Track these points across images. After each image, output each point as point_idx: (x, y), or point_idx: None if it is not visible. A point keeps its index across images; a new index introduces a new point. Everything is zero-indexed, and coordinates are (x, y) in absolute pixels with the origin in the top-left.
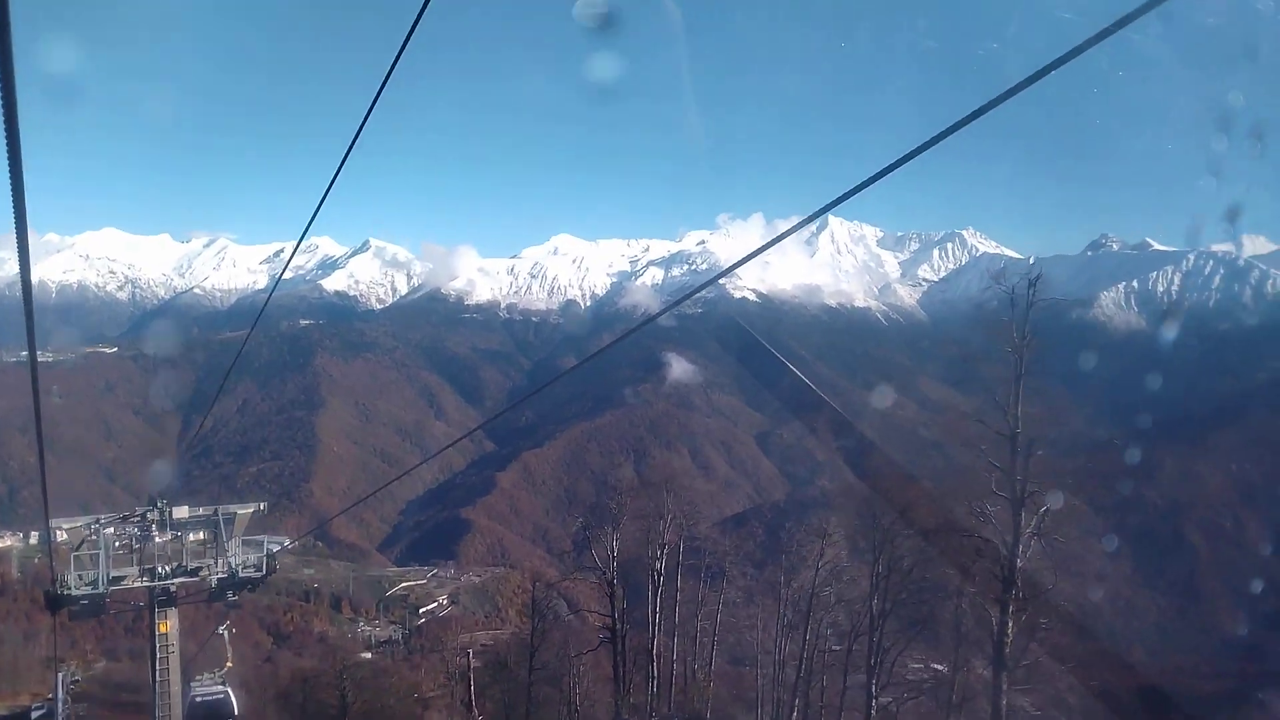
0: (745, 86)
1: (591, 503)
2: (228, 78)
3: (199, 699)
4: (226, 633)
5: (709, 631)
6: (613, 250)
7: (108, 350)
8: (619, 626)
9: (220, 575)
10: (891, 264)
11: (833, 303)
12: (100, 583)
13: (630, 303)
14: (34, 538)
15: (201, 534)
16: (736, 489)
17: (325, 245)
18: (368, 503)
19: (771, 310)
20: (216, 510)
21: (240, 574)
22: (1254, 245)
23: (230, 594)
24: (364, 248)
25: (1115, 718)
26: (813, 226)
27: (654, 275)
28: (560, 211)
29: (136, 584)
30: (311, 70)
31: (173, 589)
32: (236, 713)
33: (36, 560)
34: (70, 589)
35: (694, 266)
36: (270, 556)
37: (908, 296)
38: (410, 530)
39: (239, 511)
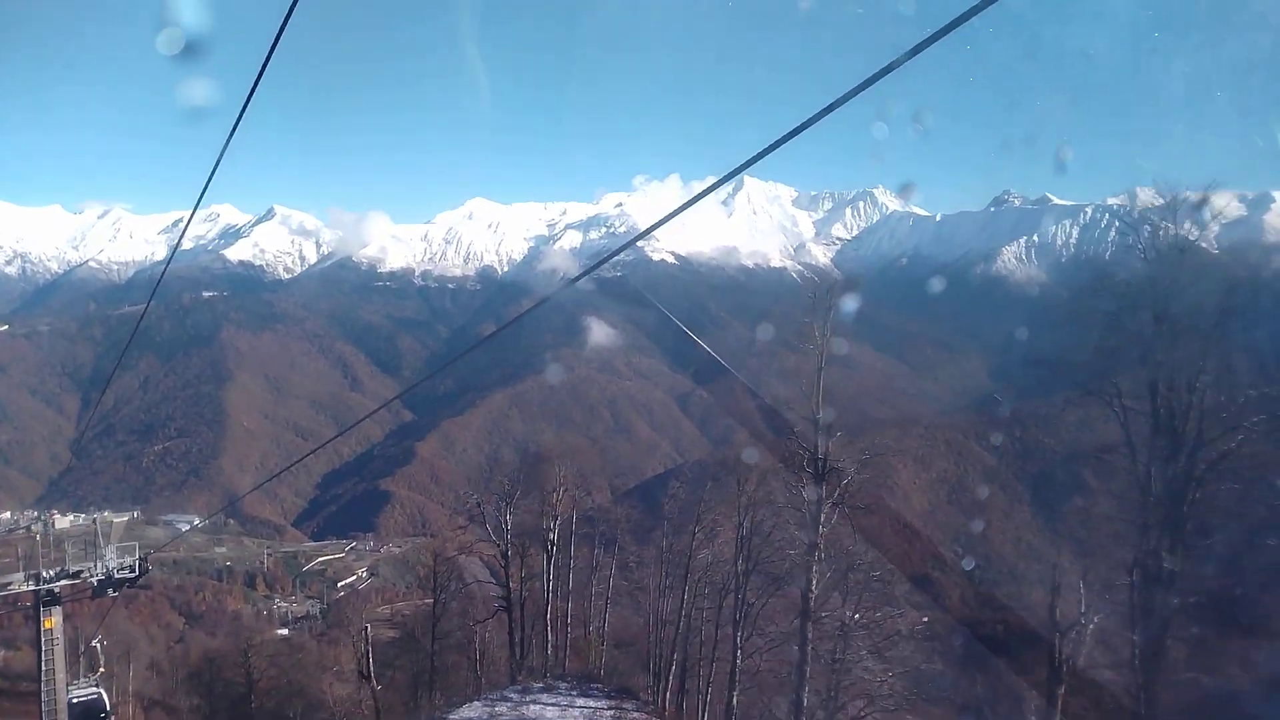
0: (662, 46)
1: (512, 470)
2: (117, 36)
3: (75, 700)
4: (99, 644)
5: (603, 595)
6: (529, 214)
7: None
8: (512, 595)
9: (99, 578)
10: (806, 224)
11: (750, 263)
12: None
13: (548, 267)
14: None
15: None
16: (657, 450)
17: (227, 213)
18: (283, 478)
19: (690, 271)
20: (95, 521)
21: (116, 575)
22: (1145, 197)
23: (111, 590)
24: (268, 215)
25: None
26: (729, 187)
27: (572, 239)
28: (474, 176)
29: (23, 588)
30: (215, 24)
31: (56, 590)
32: (108, 708)
33: None
34: None
35: (612, 229)
36: (142, 560)
37: (822, 255)
38: (327, 504)
39: (114, 520)
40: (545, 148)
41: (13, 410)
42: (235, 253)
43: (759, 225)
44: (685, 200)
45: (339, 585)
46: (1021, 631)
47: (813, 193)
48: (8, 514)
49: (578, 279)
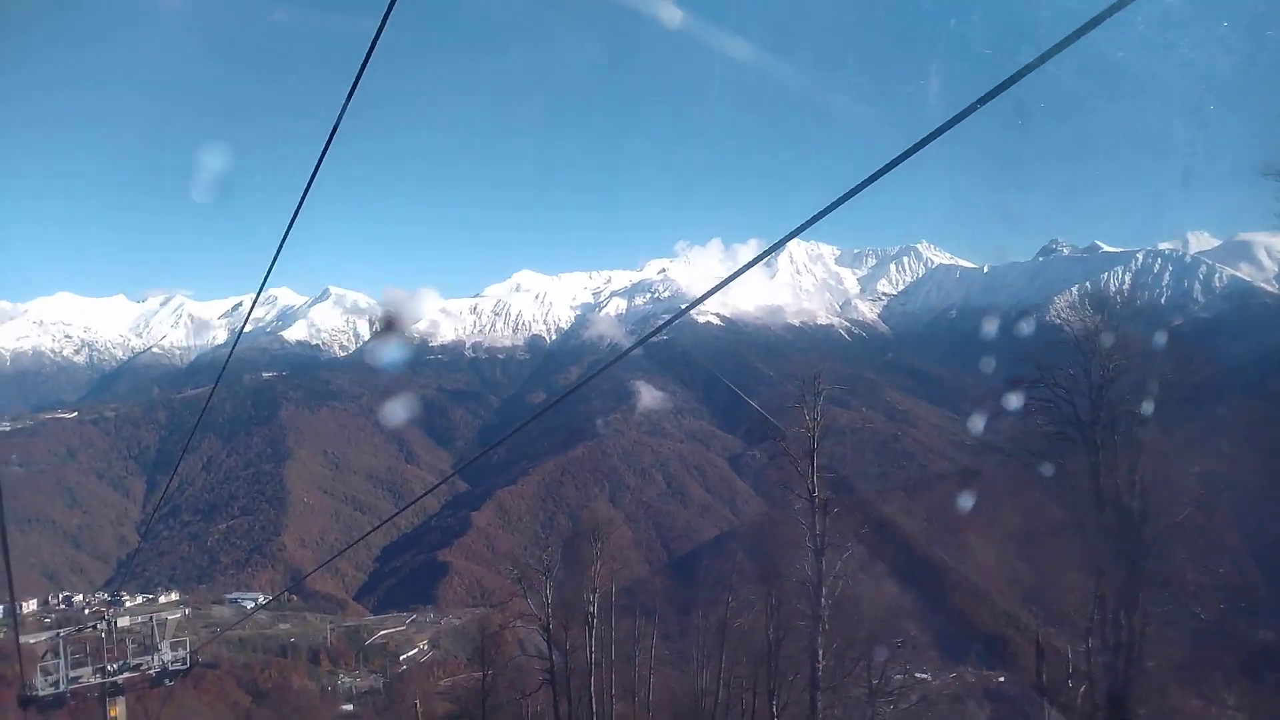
0: (698, 114)
1: (551, 545)
2: (172, 132)
3: None
4: None
5: (646, 665)
6: (575, 283)
7: (67, 415)
8: (556, 667)
9: (155, 670)
10: (850, 280)
11: (796, 322)
12: (62, 683)
13: (595, 334)
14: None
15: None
16: (711, 512)
17: (284, 295)
18: (343, 553)
19: (735, 333)
20: (151, 618)
21: (170, 668)
22: (1199, 242)
23: (167, 680)
24: (324, 296)
25: None
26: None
27: (617, 305)
28: (521, 248)
29: (91, 680)
30: (260, 123)
31: (120, 682)
32: None
33: (1, 634)
34: (38, 691)
35: (656, 295)
36: (193, 654)
37: (869, 311)
38: (387, 577)
39: (169, 617)
40: (589, 220)
41: (81, 495)
42: (293, 333)
43: (803, 284)
44: (726, 264)
45: (401, 659)
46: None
47: (855, 250)
48: (79, 596)
49: (631, 350)
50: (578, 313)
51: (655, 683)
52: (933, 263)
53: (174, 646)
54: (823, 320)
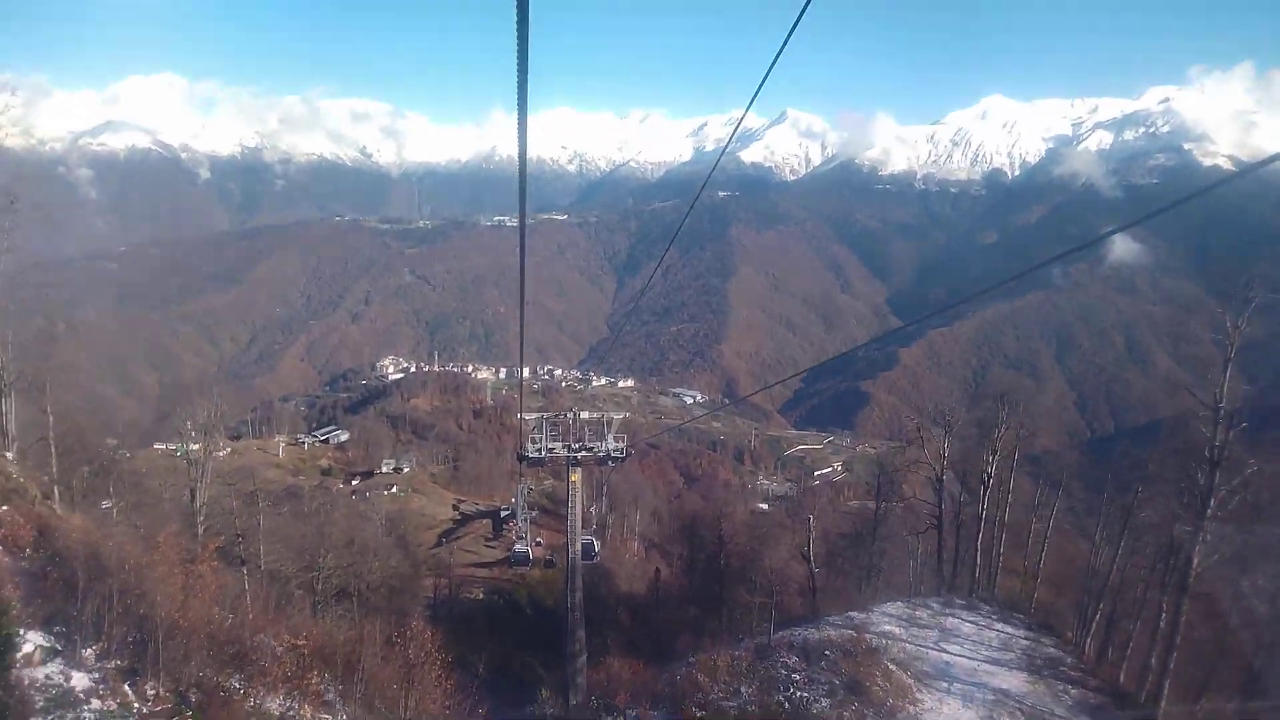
0: None
1: (998, 391)
2: None
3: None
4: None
5: (1042, 534)
6: (1052, 112)
7: (559, 217)
8: (944, 517)
9: (600, 454)
10: None
11: None
12: (543, 451)
13: (1068, 171)
14: (503, 373)
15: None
16: (1178, 389)
17: (746, 117)
18: (772, 366)
19: (1252, 180)
20: (603, 415)
21: (613, 454)
22: None
23: (609, 462)
24: (780, 119)
25: None
26: None
27: (1100, 139)
28: (992, 71)
29: (561, 453)
30: None
31: (577, 457)
32: (596, 549)
33: (504, 392)
34: (528, 453)
35: (1152, 129)
36: (630, 448)
37: None
38: (810, 397)
39: (614, 416)
40: (1072, 37)
41: (567, 286)
42: (749, 155)
43: None
44: (1259, 99)
45: (815, 474)
46: None
47: None
48: (559, 371)
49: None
50: (1050, 145)
51: (1049, 553)
52: None
53: (616, 439)
54: None
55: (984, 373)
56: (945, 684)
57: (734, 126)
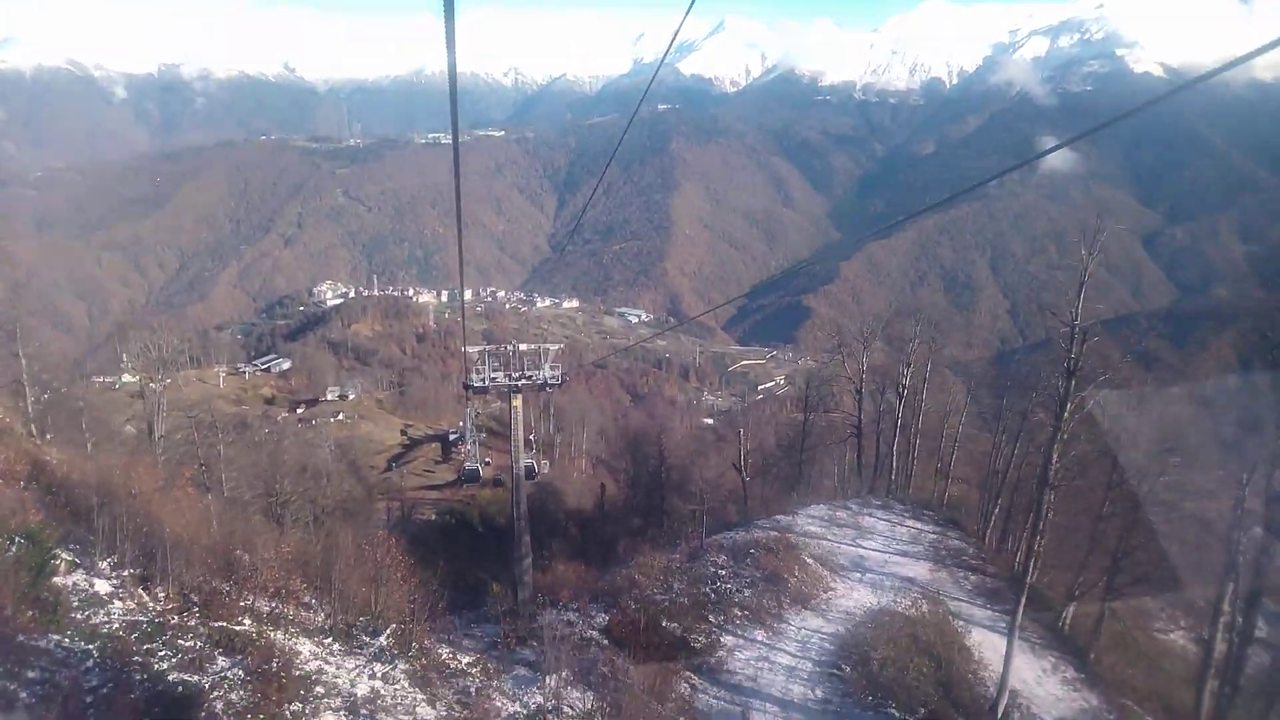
0: None
1: (938, 300)
2: None
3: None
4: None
5: (952, 439)
6: (989, 17)
7: (496, 134)
8: (863, 426)
9: (539, 381)
10: None
11: (1267, 77)
12: (486, 381)
13: (1003, 79)
14: (445, 296)
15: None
16: (1109, 293)
17: (685, 26)
18: (715, 282)
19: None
20: (539, 346)
21: (549, 382)
22: None
23: (546, 389)
24: (720, 28)
25: None
26: None
27: (1036, 46)
28: None
29: (502, 382)
30: None
31: (519, 385)
32: (536, 470)
33: (447, 315)
34: (473, 382)
35: (1087, 35)
36: (562, 375)
37: None
38: (754, 313)
39: (550, 348)
40: None
41: (506, 205)
42: (688, 66)
43: None
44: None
45: (759, 388)
46: None
47: None
48: (502, 293)
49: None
50: (987, 54)
51: (959, 456)
52: None
53: (552, 368)
54: None
55: (922, 283)
56: (858, 574)
57: (671, 37)
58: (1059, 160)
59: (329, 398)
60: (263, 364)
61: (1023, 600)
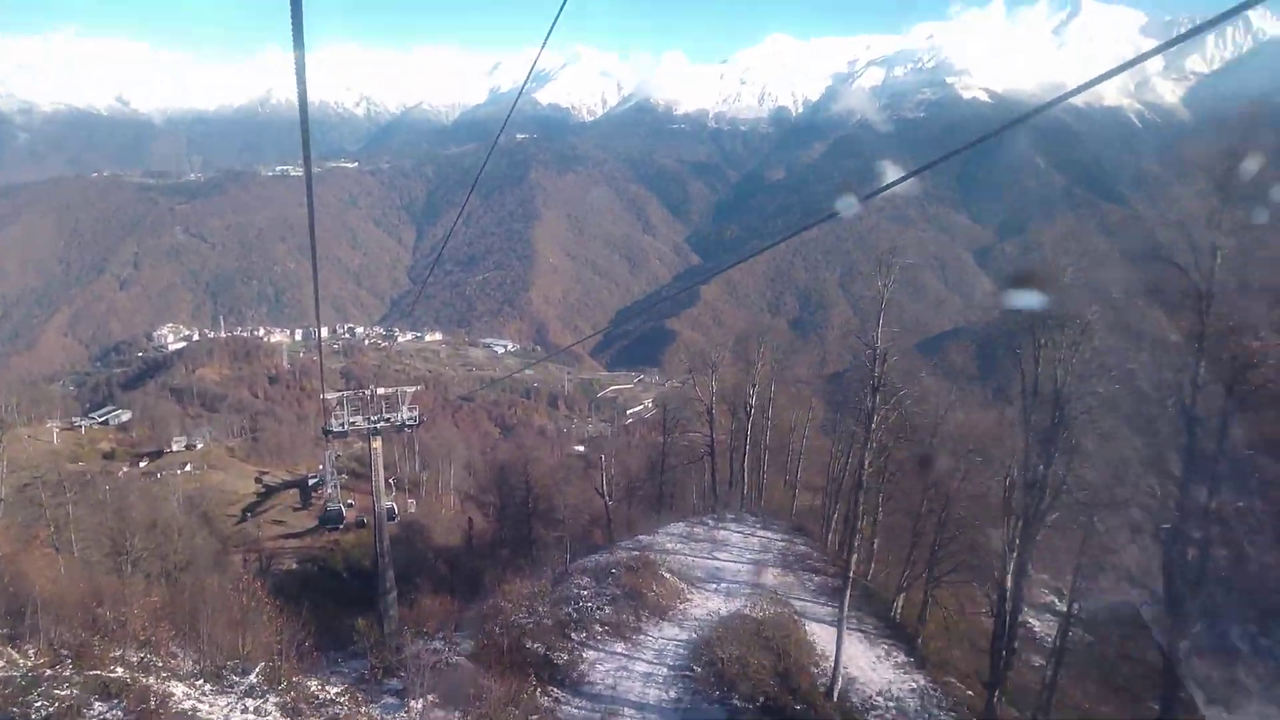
0: None
1: (794, 318)
2: None
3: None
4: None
5: (798, 452)
6: (830, 50)
7: (349, 165)
8: (716, 445)
9: (398, 423)
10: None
11: (1080, 102)
12: (345, 425)
13: (844, 108)
14: (299, 335)
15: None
16: (947, 307)
17: (540, 57)
18: (580, 310)
19: (1005, 111)
20: (397, 390)
21: (408, 423)
22: None
23: (405, 429)
24: (574, 59)
25: None
26: (1062, 13)
27: (873, 76)
28: (776, 8)
29: (361, 425)
30: None
31: (378, 427)
32: (396, 512)
33: (302, 355)
34: (332, 428)
35: (919, 65)
36: (419, 416)
37: (1169, 93)
38: (619, 338)
39: (408, 390)
40: None
41: (362, 238)
42: (545, 95)
43: (1096, 57)
44: (1007, 29)
45: (627, 413)
46: None
47: (1167, 18)
48: (361, 329)
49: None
50: (829, 83)
51: (805, 467)
52: (1265, 34)
53: (410, 409)
54: (1110, 101)
55: (779, 303)
56: (713, 585)
57: (530, 65)
58: (900, 185)
59: (175, 448)
60: (100, 416)
61: (848, 593)
